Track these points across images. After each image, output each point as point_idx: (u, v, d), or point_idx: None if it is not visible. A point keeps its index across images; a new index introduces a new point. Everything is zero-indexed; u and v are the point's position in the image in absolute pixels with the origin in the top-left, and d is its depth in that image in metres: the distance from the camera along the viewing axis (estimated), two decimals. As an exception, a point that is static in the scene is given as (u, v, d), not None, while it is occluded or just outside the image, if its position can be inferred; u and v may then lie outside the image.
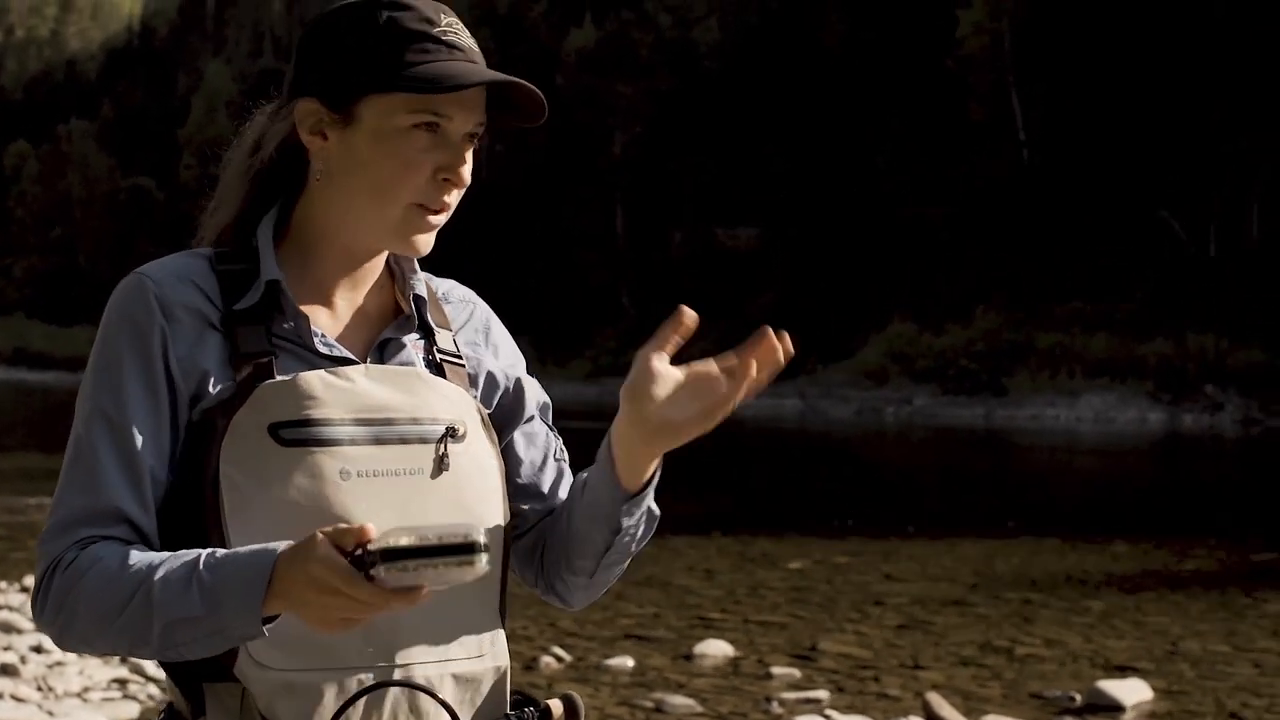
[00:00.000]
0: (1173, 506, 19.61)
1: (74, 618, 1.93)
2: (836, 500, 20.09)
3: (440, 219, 2.06)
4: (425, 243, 2.07)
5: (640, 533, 2.15)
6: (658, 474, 2.11)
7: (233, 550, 1.89)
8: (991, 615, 10.75)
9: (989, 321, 47.35)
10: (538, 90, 2.02)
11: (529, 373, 2.28)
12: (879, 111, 56.44)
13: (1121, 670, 8.85)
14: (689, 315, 1.98)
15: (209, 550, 1.90)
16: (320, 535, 1.80)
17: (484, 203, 64.94)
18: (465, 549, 1.75)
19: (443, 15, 2.04)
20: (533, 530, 2.22)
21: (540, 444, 2.24)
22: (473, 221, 64.22)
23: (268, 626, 1.88)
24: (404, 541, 1.75)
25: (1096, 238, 48.32)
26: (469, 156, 2.06)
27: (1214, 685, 8.58)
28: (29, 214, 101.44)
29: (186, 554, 1.90)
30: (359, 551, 1.77)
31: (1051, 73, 50.90)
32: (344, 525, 1.80)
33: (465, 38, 2.04)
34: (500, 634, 2.09)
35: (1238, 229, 47.61)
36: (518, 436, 2.21)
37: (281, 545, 1.86)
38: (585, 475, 2.13)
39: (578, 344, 58.88)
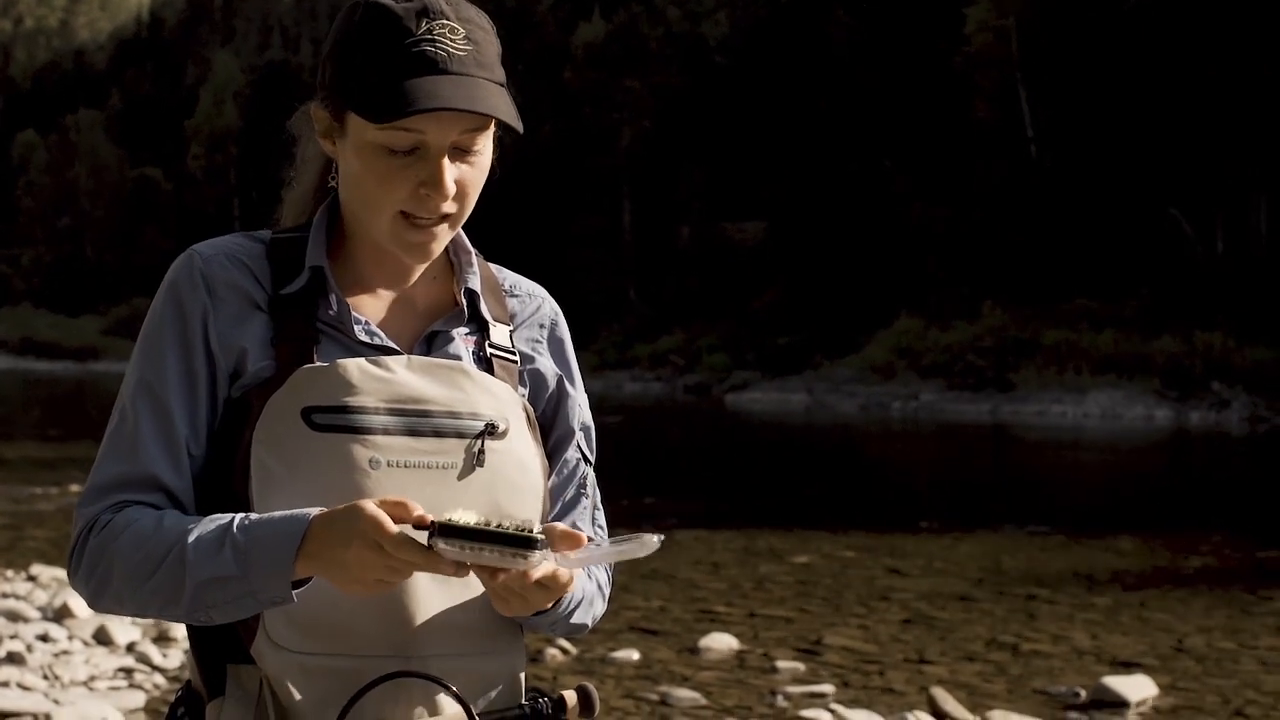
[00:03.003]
0: (1179, 503, 19.60)
1: (108, 577, 1.96)
2: (843, 495, 20.09)
3: (436, 227, 2.02)
4: (423, 249, 2.04)
5: (559, 631, 2.15)
6: (560, 605, 2.07)
7: (264, 515, 1.91)
8: (997, 611, 10.75)
9: (996, 318, 47.29)
10: (483, 113, 1.95)
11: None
12: (887, 107, 56.38)
13: (1127, 666, 8.85)
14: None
15: (244, 514, 1.92)
16: (364, 501, 1.84)
17: (490, 197, 64.84)
18: (523, 542, 1.80)
19: (425, 19, 1.97)
20: None
21: (568, 471, 2.22)
22: (478, 216, 63.81)
23: (296, 592, 1.90)
24: (464, 520, 1.79)
25: (1104, 235, 48.26)
26: (470, 162, 2.02)
27: (1219, 682, 8.57)
28: (37, 204, 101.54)
29: (221, 516, 1.93)
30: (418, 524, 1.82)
31: (1059, 69, 50.82)
32: (401, 500, 1.84)
33: (446, 42, 1.96)
34: (517, 630, 2.10)
35: (1245, 226, 47.55)
36: (552, 457, 2.20)
37: (314, 510, 1.88)
38: None
39: (584, 338, 58.80)
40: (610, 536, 2.06)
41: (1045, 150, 52.14)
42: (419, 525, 1.81)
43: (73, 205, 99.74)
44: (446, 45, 1.96)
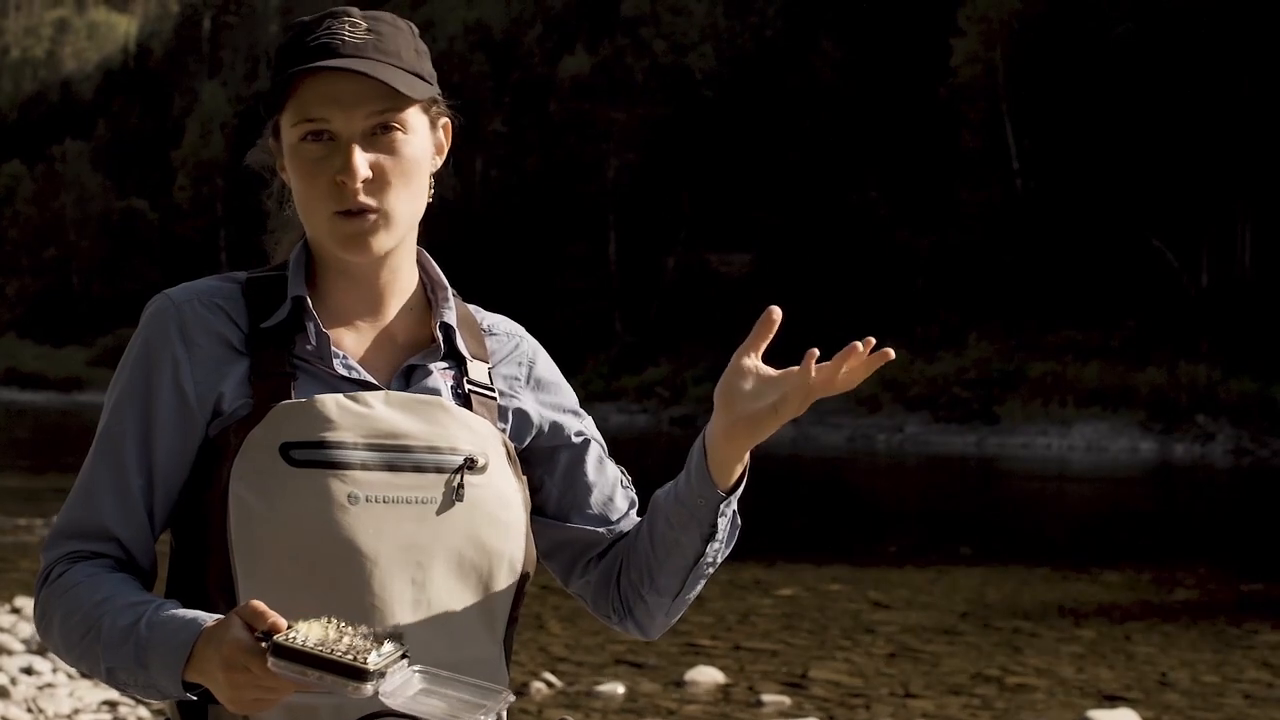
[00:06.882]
0: (1164, 536, 19.61)
1: (50, 632, 2.01)
2: (828, 527, 20.08)
3: (369, 219, 2.01)
4: (357, 242, 2.03)
5: (726, 538, 2.14)
6: (745, 476, 2.10)
7: (171, 613, 1.91)
8: (982, 644, 10.74)
9: (981, 349, 47.36)
10: (366, 73, 1.97)
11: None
12: (873, 139, 56.52)
13: (1112, 700, 8.85)
14: (775, 312, 2.02)
15: (158, 603, 1.93)
16: (234, 615, 1.83)
17: (476, 228, 64.90)
18: (353, 673, 1.77)
19: (328, 19, 2.02)
20: (608, 554, 2.22)
21: (610, 471, 2.25)
22: (464, 246, 64.13)
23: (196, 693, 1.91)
24: (301, 644, 1.77)
25: (1089, 266, 48.36)
26: (390, 150, 2.01)
27: (1204, 715, 8.57)
28: (22, 234, 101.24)
29: (141, 601, 1.95)
30: (260, 637, 1.79)
31: (1044, 101, 50.99)
32: (260, 609, 1.81)
33: (344, 34, 2.00)
34: (502, 665, 2.10)
35: (1230, 259, 47.67)
36: (590, 462, 2.23)
37: (209, 619, 1.88)
38: (667, 488, 2.14)
39: (570, 370, 58.07)
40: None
41: (1031, 181, 52.27)
42: (270, 635, 1.80)
43: (59, 236, 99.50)
44: (343, 35, 2.00)
